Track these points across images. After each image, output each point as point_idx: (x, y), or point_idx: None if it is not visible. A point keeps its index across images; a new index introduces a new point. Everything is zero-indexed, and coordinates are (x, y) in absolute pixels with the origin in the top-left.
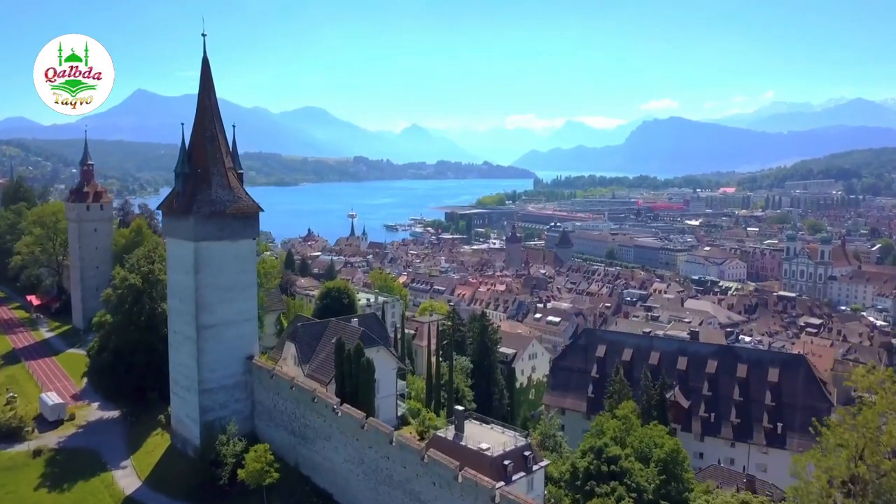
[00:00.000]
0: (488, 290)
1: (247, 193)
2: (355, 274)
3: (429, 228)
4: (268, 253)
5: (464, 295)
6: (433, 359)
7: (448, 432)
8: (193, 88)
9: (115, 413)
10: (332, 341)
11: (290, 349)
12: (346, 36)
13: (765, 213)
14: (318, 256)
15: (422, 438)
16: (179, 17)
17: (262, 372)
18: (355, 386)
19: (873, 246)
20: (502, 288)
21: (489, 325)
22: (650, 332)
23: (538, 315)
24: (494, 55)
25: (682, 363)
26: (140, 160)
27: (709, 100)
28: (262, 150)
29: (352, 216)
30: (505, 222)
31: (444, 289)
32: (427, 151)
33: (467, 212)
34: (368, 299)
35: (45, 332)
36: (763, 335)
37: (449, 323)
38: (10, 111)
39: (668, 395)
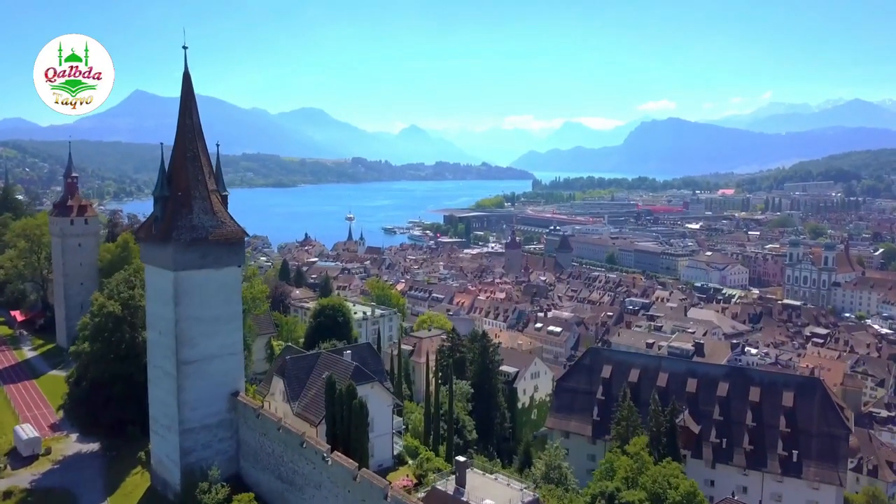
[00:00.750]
0: (488, 298)
1: (231, 218)
2: (352, 281)
3: (427, 232)
4: (265, 259)
5: (463, 303)
6: (432, 385)
7: (448, 485)
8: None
9: (94, 446)
10: (323, 377)
11: (279, 384)
12: (344, 37)
13: (765, 216)
14: (314, 262)
15: (419, 483)
16: (178, 17)
17: (247, 410)
18: (347, 430)
19: (876, 250)
20: (502, 296)
21: (490, 346)
22: (653, 342)
23: (539, 325)
24: (492, 56)
25: (691, 385)
26: (137, 161)
27: (707, 100)
28: (260, 152)
29: (350, 219)
30: (504, 225)
31: (442, 297)
32: (425, 152)
33: (466, 214)
34: (365, 313)
35: (27, 351)
36: (769, 346)
37: (448, 343)
38: (8, 112)
39: (677, 420)
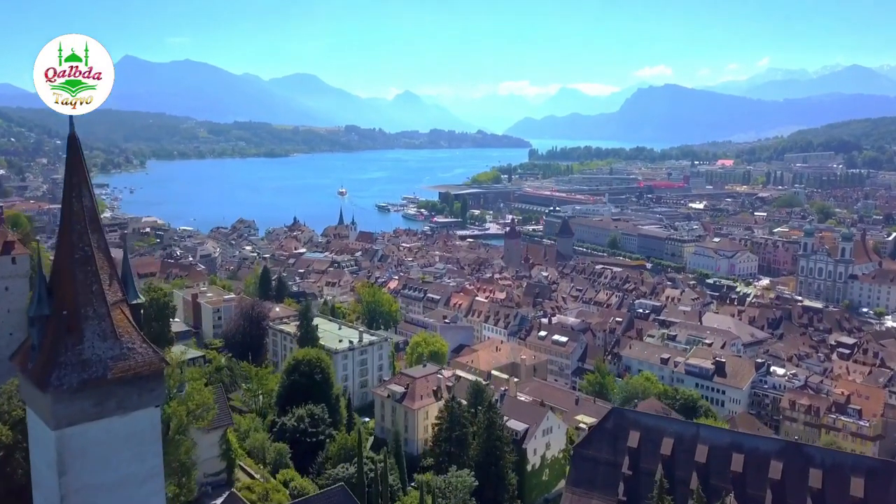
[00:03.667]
0: (487, 298)
1: (143, 339)
2: (342, 276)
3: (422, 210)
4: (250, 248)
5: (460, 304)
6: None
7: None
8: (181, 55)
9: None
10: None
11: None
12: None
13: (769, 192)
14: (302, 254)
15: None
16: None
17: None
18: None
19: (889, 234)
20: (502, 296)
21: (497, 417)
22: (669, 358)
23: (543, 332)
24: (487, 19)
25: (736, 462)
26: (127, 130)
27: (703, 67)
28: (252, 119)
29: (342, 193)
30: (501, 204)
31: (438, 297)
32: (420, 120)
33: (462, 192)
34: (351, 342)
35: None
36: (792, 359)
37: (446, 414)
38: None
39: None
